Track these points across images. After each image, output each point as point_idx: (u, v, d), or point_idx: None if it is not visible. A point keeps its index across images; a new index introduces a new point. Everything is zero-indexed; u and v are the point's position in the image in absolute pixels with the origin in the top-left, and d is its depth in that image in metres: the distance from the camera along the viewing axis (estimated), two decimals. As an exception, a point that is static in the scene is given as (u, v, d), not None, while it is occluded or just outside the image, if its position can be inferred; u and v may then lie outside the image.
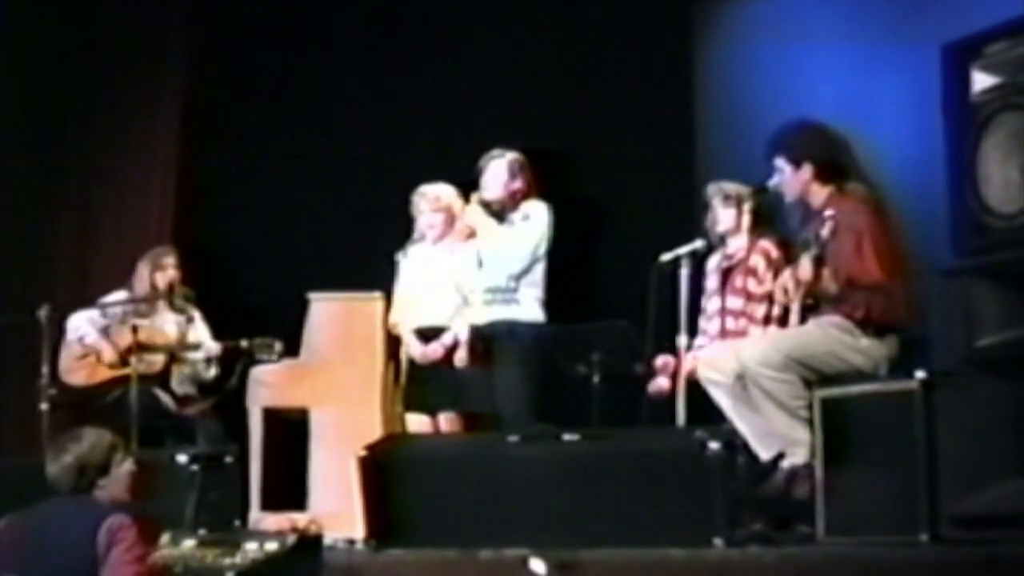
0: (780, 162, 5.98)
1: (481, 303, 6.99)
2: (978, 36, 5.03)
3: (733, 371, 5.72)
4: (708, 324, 6.59)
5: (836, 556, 5.11)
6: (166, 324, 7.61)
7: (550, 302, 6.98)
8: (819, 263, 5.76)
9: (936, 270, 5.29)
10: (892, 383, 5.39)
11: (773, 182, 6.08)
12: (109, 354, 7.46)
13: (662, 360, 6.45)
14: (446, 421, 7.10)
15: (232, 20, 8.50)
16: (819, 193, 5.93)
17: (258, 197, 8.42)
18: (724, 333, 6.47)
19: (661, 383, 6.50)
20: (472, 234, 7.07)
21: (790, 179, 5.96)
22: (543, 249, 6.95)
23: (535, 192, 7.02)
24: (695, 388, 6.05)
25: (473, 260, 7.05)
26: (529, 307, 6.93)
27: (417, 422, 7.15)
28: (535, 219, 6.92)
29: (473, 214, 6.97)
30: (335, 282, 7.48)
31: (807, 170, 5.92)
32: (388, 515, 5.92)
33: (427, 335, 7.15)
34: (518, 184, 7.00)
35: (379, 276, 7.32)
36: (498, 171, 6.99)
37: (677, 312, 6.33)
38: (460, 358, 7.02)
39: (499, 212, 7.00)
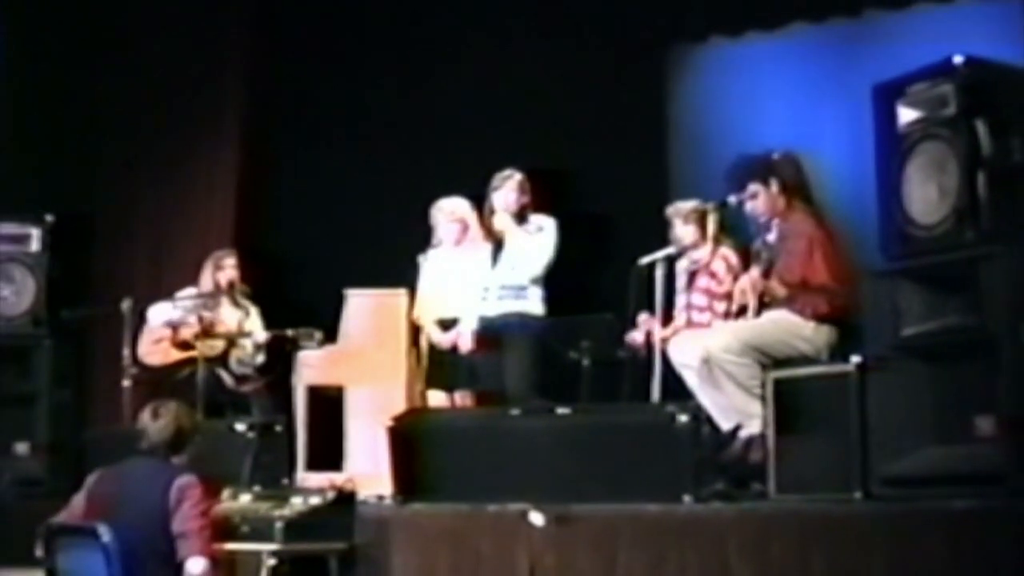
0: (754, 187, 5.92)
1: (495, 298, 6.96)
2: (903, 78, 5.03)
3: (700, 356, 5.74)
4: (677, 317, 6.63)
5: (785, 511, 5.12)
6: (227, 316, 7.62)
7: (548, 298, 7.00)
8: (768, 272, 5.79)
9: (868, 271, 5.29)
10: (832, 366, 5.41)
11: (732, 199, 6.08)
12: (193, 328, 7.40)
13: (645, 316, 6.43)
14: (460, 397, 7.10)
15: (285, 51, 8.50)
16: (775, 207, 5.95)
17: (305, 207, 8.43)
18: (690, 324, 6.45)
19: (636, 336, 6.49)
20: (489, 238, 7.08)
21: (765, 199, 5.91)
22: (554, 255, 7.01)
23: (538, 205, 7.06)
24: (668, 370, 6.07)
25: (487, 261, 7.06)
26: (535, 302, 6.92)
27: (436, 398, 7.15)
28: (548, 231, 6.92)
29: (503, 222, 6.98)
30: (368, 280, 7.48)
31: (775, 185, 5.90)
32: (412, 475, 5.94)
33: (446, 325, 7.19)
34: (526, 199, 7.00)
35: (404, 275, 7.35)
36: (510, 189, 7.00)
37: (653, 307, 6.36)
38: (464, 344, 7.02)
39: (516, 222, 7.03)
